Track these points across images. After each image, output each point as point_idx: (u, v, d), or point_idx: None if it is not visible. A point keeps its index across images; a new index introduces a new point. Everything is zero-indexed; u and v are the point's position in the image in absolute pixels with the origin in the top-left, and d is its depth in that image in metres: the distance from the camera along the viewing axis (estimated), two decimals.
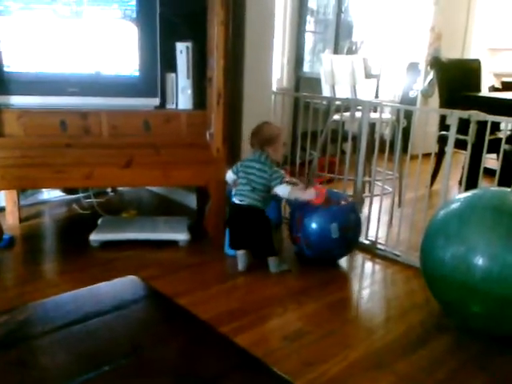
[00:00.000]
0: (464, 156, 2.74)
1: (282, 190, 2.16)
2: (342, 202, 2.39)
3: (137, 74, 2.28)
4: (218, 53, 2.12)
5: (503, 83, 4.45)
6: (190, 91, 2.37)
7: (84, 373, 0.88)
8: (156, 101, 2.31)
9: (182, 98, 2.38)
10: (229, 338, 0.99)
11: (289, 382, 0.86)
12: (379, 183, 2.99)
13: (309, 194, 2.17)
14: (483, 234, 1.76)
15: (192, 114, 2.34)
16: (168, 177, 2.32)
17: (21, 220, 2.78)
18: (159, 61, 2.29)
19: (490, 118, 2.16)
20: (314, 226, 2.29)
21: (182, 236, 2.53)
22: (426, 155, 2.49)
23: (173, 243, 2.52)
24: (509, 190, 2.05)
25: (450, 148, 2.31)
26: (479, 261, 1.72)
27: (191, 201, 3.06)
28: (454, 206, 1.92)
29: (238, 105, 2.70)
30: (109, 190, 3.32)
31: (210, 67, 2.24)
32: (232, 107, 2.52)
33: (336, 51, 4.50)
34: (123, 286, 1.20)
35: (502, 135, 2.79)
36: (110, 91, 2.27)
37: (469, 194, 1.94)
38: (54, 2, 2.14)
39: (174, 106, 2.38)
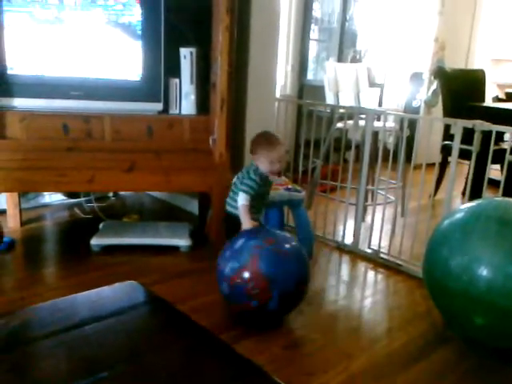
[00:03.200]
0: (467, 166, 2.73)
1: (239, 198, 2.04)
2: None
3: (140, 78, 2.28)
4: (222, 58, 2.11)
5: (507, 94, 4.44)
6: (193, 97, 2.36)
7: (80, 379, 0.87)
8: (159, 106, 2.31)
9: (185, 103, 2.37)
10: (230, 346, 0.97)
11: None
12: (382, 192, 2.98)
13: (246, 222, 2.01)
14: (487, 244, 1.74)
15: (195, 120, 2.34)
16: (170, 182, 2.31)
17: (22, 223, 2.77)
18: (163, 66, 2.28)
19: (495, 127, 2.14)
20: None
21: (183, 242, 2.51)
22: (430, 165, 2.47)
23: (174, 249, 2.51)
24: None
25: (454, 157, 2.30)
26: (483, 272, 1.70)
27: (193, 207, 3.05)
28: (458, 215, 1.90)
29: (241, 111, 2.69)
30: (110, 194, 3.31)
31: (214, 72, 2.23)
32: (235, 113, 2.51)
33: (340, 59, 4.51)
34: (123, 291, 1.19)
35: (506, 146, 2.79)
36: (114, 95, 2.26)
37: (473, 203, 1.92)
38: (60, 6, 2.14)
39: (177, 112, 2.37)
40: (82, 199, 3.08)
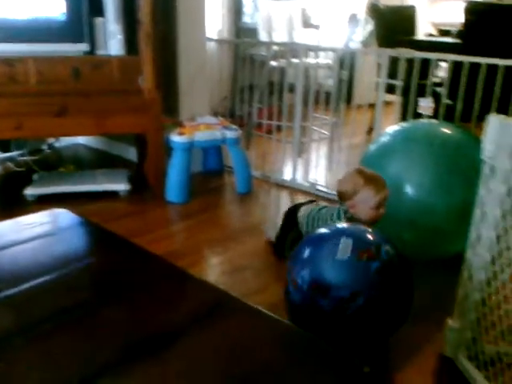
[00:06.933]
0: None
1: None
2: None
3: (63, 18, 2.19)
4: None
5: (440, 30, 4.56)
6: (120, 36, 2.30)
7: (5, 289, 0.87)
8: (85, 46, 2.23)
9: (113, 43, 2.31)
10: (155, 255, 1.01)
11: (202, 281, 0.89)
12: (318, 128, 3.04)
13: None
14: (411, 165, 1.82)
15: (124, 60, 2.28)
16: (103, 125, 2.27)
17: None
18: (86, 4, 2.20)
19: (418, 54, 2.21)
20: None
21: (121, 186, 2.50)
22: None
23: (113, 194, 2.49)
24: (437, 122, 2.13)
25: (381, 87, 2.36)
26: (408, 191, 1.78)
27: (131, 154, 3.02)
28: (384, 139, 1.98)
29: (173, 50, 2.64)
30: (45, 146, 3.22)
31: (140, 9, 2.17)
32: (166, 53, 2.47)
33: None
34: (52, 217, 1.19)
35: (436, 80, 2.89)
36: (36, 37, 2.17)
37: (398, 127, 2.00)
38: None
39: (104, 52, 2.31)
40: (15, 153, 2.98)
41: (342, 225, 1.49)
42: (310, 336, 0.78)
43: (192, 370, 0.69)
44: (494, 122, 1.18)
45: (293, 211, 1.91)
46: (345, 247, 1.28)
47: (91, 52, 2.28)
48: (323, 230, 1.44)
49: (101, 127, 2.27)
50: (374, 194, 1.58)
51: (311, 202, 1.98)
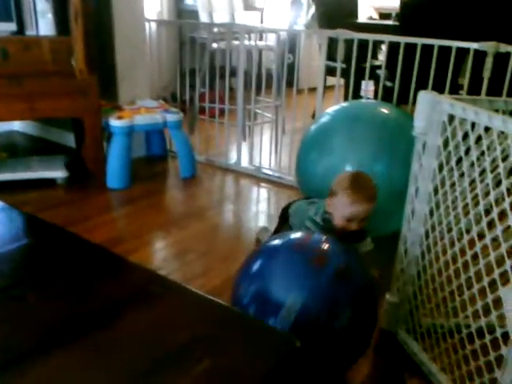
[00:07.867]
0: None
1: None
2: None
3: None
4: None
5: (381, 14, 4.62)
6: (50, 15, 2.19)
7: None
8: (12, 26, 2.12)
9: (43, 23, 2.20)
10: (87, 240, 0.96)
11: (135, 265, 0.86)
12: (261, 111, 3.02)
13: None
14: (352, 143, 1.84)
15: (55, 41, 2.17)
16: (35, 109, 2.16)
17: None
18: None
19: (356, 35, 2.22)
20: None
21: (58, 173, 2.40)
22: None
23: (50, 182, 2.39)
24: (376, 101, 2.16)
25: (321, 70, 2.37)
26: (347, 169, 1.80)
27: (69, 140, 2.90)
28: (324, 119, 1.98)
29: (109, 32, 2.54)
30: None
31: None
32: (102, 34, 2.37)
33: None
34: None
35: (378, 63, 2.93)
36: None
37: (337, 107, 2.01)
38: None
39: (34, 32, 2.20)
40: None
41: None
42: (242, 314, 0.77)
43: (116, 352, 0.66)
44: (424, 99, 1.19)
45: (287, 207, 1.77)
46: (290, 307, 1.10)
47: (20, 32, 2.16)
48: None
49: (33, 112, 2.16)
50: (349, 203, 1.38)
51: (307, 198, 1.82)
